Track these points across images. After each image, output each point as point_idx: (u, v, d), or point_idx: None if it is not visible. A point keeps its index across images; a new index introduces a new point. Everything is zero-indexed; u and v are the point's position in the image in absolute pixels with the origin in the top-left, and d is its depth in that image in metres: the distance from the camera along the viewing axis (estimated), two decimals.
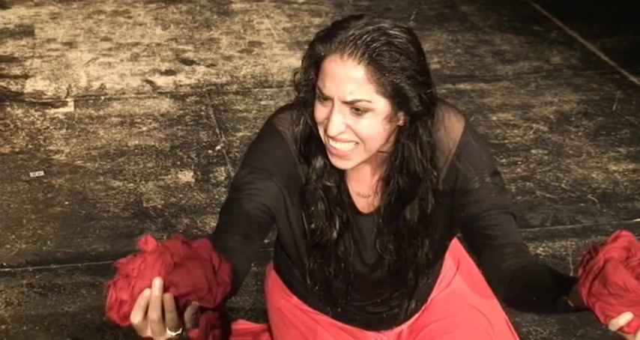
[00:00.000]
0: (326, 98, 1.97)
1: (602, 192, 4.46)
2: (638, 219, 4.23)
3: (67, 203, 4.31)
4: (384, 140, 2.02)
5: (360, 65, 1.92)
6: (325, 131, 2.00)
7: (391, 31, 1.95)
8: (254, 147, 2.18)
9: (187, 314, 1.66)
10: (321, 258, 2.18)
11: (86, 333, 3.46)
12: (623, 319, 1.71)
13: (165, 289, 1.62)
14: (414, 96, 1.97)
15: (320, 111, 2.00)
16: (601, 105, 5.40)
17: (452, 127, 2.13)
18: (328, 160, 2.07)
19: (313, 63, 1.99)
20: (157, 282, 1.62)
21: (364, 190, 2.17)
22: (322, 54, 1.96)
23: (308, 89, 2.03)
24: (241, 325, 2.81)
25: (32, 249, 3.96)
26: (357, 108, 1.95)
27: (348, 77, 1.93)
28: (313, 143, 2.08)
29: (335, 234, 2.14)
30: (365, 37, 1.93)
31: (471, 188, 2.12)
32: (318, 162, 2.10)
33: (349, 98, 1.94)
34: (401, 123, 2.02)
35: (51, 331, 3.47)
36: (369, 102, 1.94)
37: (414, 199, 2.11)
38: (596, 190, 4.47)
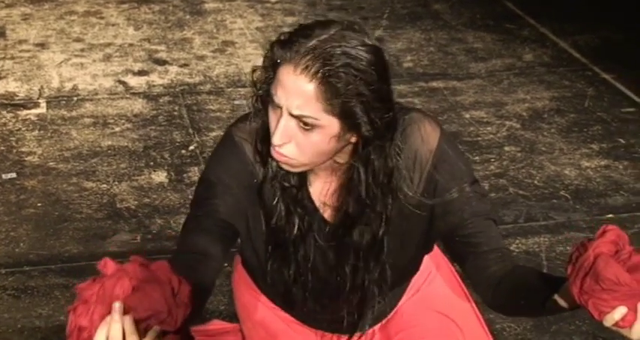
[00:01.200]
0: (276, 106, 1.92)
1: (574, 188, 4.48)
2: (610, 215, 4.25)
3: (39, 204, 4.29)
4: (330, 155, 1.97)
5: (312, 82, 1.86)
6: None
7: (353, 51, 1.87)
8: (212, 158, 2.14)
9: (149, 338, 1.64)
10: (281, 260, 2.14)
11: (60, 335, 3.44)
12: (618, 313, 1.71)
13: (125, 313, 1.61)
14: (365, 122, 1.90)
15: (271, 115, 1.96)
16: (573, 102, 5.42)
17: (427, 137, 2.08)
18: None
19: (271, 65, 1.94)
20: (117, 306, 1.61)
21: (327, 199, 2.12)
22: (278, 61, 1.91)
23: (265, 87, 1.97)
24: (215, 325, 2.80)
25: (5, 251, 3.94)
26: (305, 123, 1.89)
27: (297, 91, 1.87)
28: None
29: (294, 234, 2.09)
30: (324, 52, 1.85)
31: (450, 198, 2.08)
32: (275, 162, 2.03)
33: (295, 112, 1.88)
34: (353, 140, 1.97)
35: (24, 333, 3.45)
36: (315, 119, 1.88)
37: (358, 224, 2.06)
38: (569, 186, 4.49)
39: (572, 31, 6.47)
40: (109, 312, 1.61)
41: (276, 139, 1.92)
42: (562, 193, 4.43)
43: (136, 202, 4.31)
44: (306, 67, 1.86)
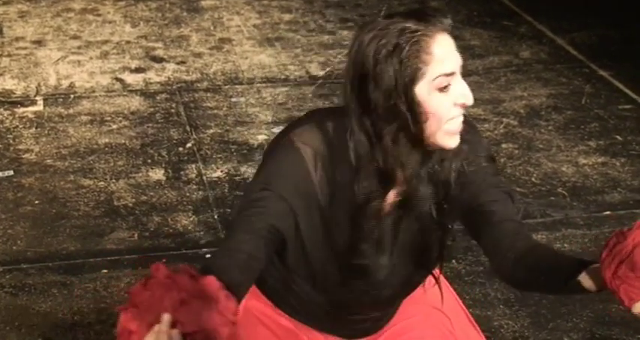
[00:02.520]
0: (447, 75, 1.95)
1: (572, 185, 4.48)
2: (608, 212, 4.25)
3: (37, 202, 4.29)
4: None
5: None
6: (447, 121, 1.97)
7: None
8: (270, 161, 2.12)
9: None
10: (354, 283, 2.17)
11: (58, 332, 3.44)
12: None
13: (172, 325, 1.67)
14: None
15: (442, 101, 1.97)
16: (570, 99, 5.42)
17: None
18: (382, 181, 2.04)
19: (411, 64, 1.94)
20: (166, 318, 1.67)
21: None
22: (427, 35, 1.95)
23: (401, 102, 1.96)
24: None
25: (2, 248, 3.94)
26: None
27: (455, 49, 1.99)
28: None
29: (380, 262, 2.13)
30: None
31: (468, 171, 2.12)
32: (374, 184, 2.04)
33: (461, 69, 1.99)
34: None
35: (22, 330, 3.45)
36: None
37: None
38: (566, 184, 4.50)
39: (570, 28, 6.48)
40: (157, 321, 1.67)
41: (472, 97, 1.99)
42: (559, 190, 4.43)
43: (133, 200, 4.31)
44: (450, 25, 1.98)
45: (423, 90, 1.94)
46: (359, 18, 6.68)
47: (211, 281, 1.73)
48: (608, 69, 5.80)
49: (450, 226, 2.15)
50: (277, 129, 4.96)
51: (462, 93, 1.97)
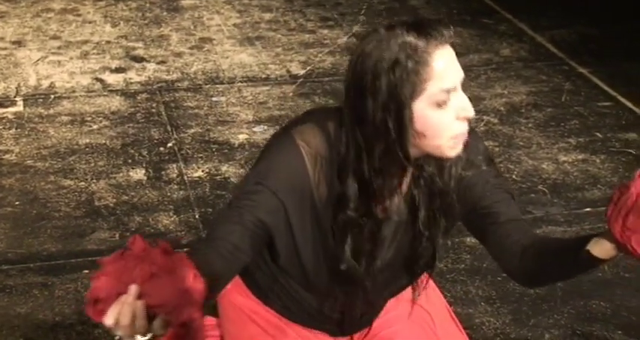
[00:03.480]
0: (447, 91, 1.94)
1: (552, 182, 4.50)
2: (588, 209, 4.27)
3: (17, 203, 4.27)
4: None
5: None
6: (447, 135, 1.97)
7: None
8: (268, 156, 2.11)
9: (156, 324, 1.71)
10: (344, 285, 2.18)
11: (39, 334, 3.43)
12: None
13: (139, 297, 1.69)
14: None
15: (442, 117, 1.96)
16: (550, 96, 5.44)
17: None
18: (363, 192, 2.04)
19: (418, 66, 1.93)
20: (132, 289, 1.68)
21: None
22: (429, 51, 1.92)
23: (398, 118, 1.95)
24: (208, 321, 2.79)
25: None
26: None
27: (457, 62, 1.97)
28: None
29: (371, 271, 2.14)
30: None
31: (470, 174, 2.13)
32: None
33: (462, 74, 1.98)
34: None
35: (3, 332, 3.44)
36: None
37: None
38: (547, 181, 4.51)
39: (549, 26, 6.50)
40: (126, 291, 1.69)
41: (472, 110, 1.98)
42: (540, 187, 4.45)
43: (114, 200, 4.30)
44: (451, 36, 1.95)
45: (421, 106, 1.93)
46: (339, 17, 6.68)
47: (183, 259, 1.74)
48: (587, 66, 5.82)
49: (439, 237, 2.16)
50: (258, 129, 4.98)
51: (462, 106, 1.97)
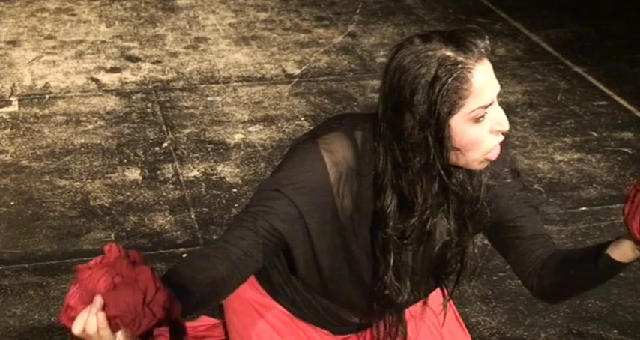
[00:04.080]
0: (487, 106, 1.94)
1: (548, 181, 4.50)
2: (584, 208, 4.27)
3: (12, 203, 4.27)
4: None
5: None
6: (484, 149, 1.96)
7: None
8: (290, 162, 2.07)
9: (120, 336, 1.73)
10: (377, 301, 2.17)
11: (34, 334, 3.43)
12: None
13: (103, 307, 1.72)
14: None
15: (478, 132, 1.95)
16: (546, 95, 5.45)
17: None
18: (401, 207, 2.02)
19: (449, 99, 1.91)
20: (97, 299, 1.70)
21: None
22: (469, 69, 1.92)
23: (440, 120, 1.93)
24: (204, 321, 2.79)
25: None
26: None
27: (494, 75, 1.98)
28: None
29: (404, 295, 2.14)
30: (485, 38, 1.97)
31: (496, 187, 2.11)
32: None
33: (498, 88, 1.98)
34: None
35: None
36: None
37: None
38: (542, 180, 4.51)
39: (545, 25, 6.50)
40: (91, 300, 1.72)
41: (507, 126, 1.97)
42: (535, 187, 4.45)
43: (109, 200, 4.30)
44: (488, 49, 1.96)
45: (458, 122, 1.92)
46: (334, 16, 6.68)
47: (144, 272, 1.75)
48: (583, 65, 5.83)
49: (469, 244, 2.14)
50: (254, 128, 4.98)
51: (497, 120, 1.96)
